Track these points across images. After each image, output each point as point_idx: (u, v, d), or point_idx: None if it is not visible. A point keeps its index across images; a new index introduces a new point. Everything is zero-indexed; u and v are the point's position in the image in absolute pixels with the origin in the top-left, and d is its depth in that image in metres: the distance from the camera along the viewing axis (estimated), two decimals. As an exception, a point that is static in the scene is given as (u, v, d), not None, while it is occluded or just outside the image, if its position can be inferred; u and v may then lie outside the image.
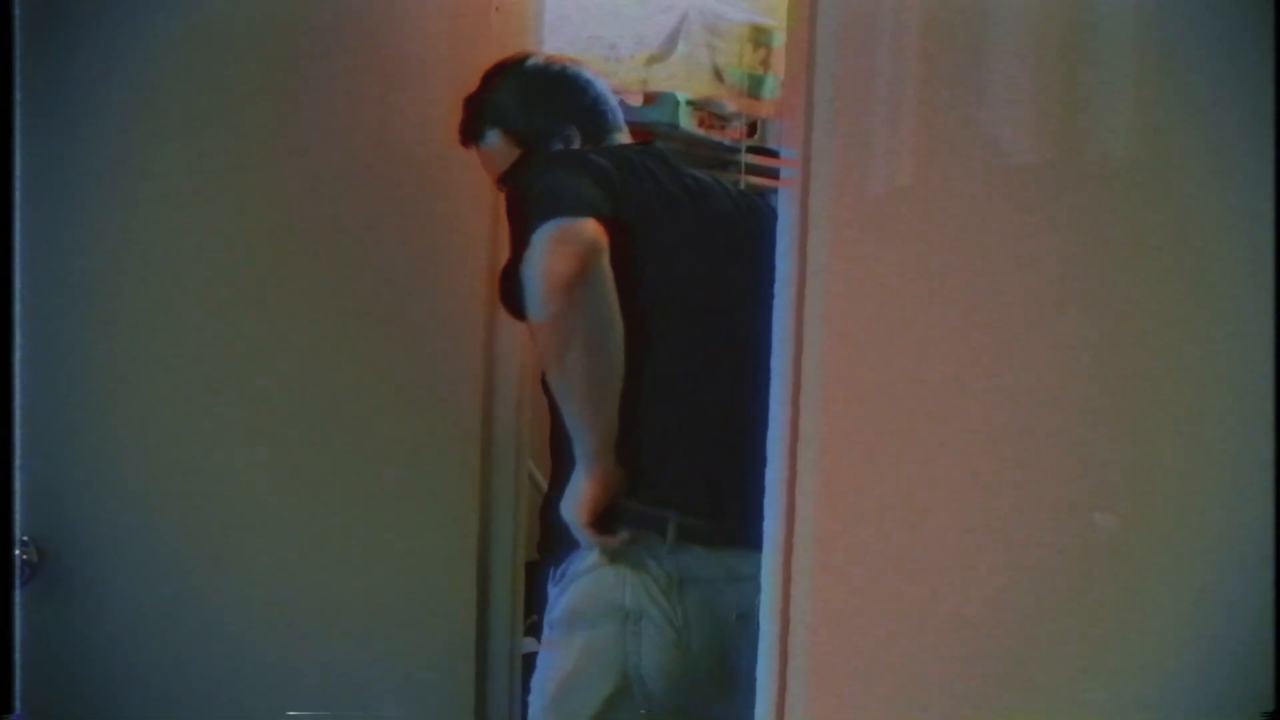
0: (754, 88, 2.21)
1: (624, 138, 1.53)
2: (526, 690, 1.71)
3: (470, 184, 1.58)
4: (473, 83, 1.50)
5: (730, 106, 2.15)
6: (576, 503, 1.31)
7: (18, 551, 1.21)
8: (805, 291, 0.93)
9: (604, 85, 1.54)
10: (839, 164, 0.93)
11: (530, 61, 1.52)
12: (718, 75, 2.19)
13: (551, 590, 1.41)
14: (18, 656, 1.12)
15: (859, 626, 0.93)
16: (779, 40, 2.18)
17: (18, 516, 1.16)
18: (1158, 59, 0.88)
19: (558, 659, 1.37)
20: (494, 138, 1.48)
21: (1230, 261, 0.85)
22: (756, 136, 2.19)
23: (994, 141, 0.91)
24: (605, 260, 1.23)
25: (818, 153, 0.93)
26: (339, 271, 1.47)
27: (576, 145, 1.47)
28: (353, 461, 1.49)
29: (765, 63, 2.23)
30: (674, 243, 1.37)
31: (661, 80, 2.18)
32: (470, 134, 1.50)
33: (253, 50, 1.38)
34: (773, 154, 2.13)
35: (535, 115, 1.47)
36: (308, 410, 1.45)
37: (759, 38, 2.21)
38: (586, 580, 1.35)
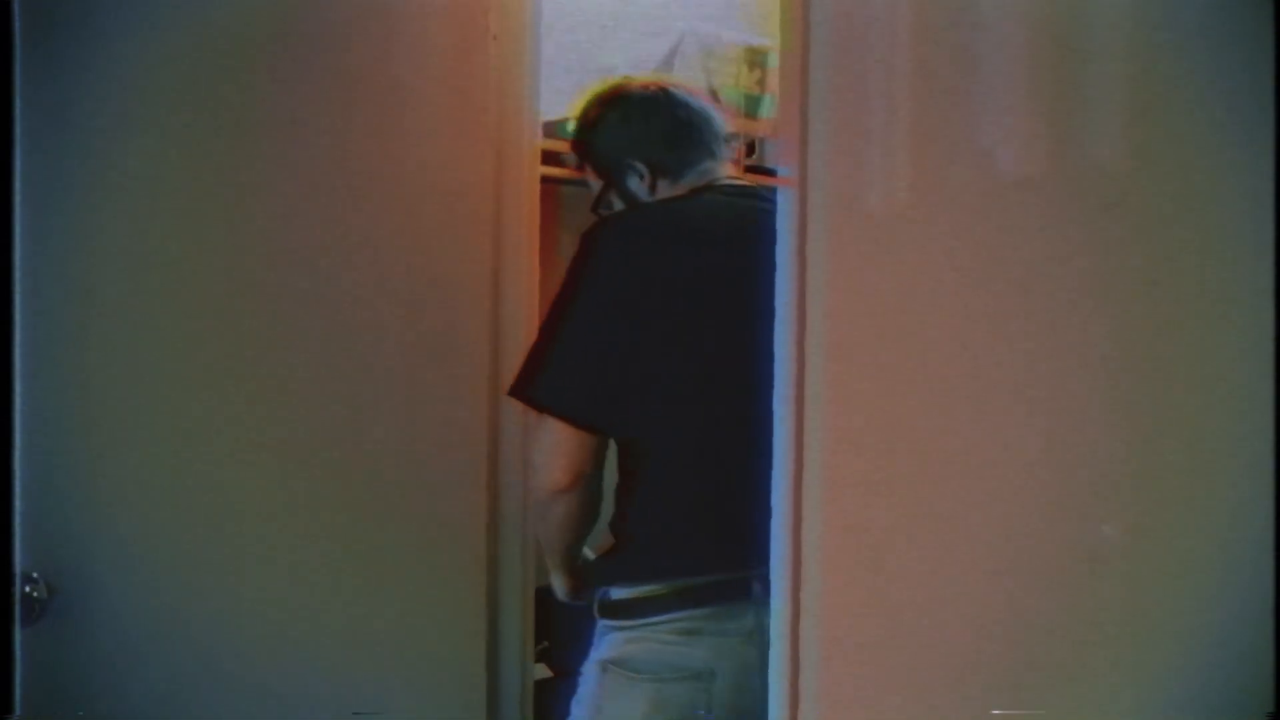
0: (751, 108, 2.22)
1: (719, 168, 1.48)
2: (538, 718, 1.69)
3: (469, 209, 1.59)
4: (477, 110, 1.55)
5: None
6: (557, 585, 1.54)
7: (27, 588, 1.20)
8: (805, 308, 0.94)
9: (694, 110, 1.48)
10: (836, 182, 0.93)
11: (611, 90, 1.52)
12: (714, 96, 2.20)
13: (603, 623, 1.39)
14: (18, 658, 1.11)
15: (867, 642, 0.93)
16: (775, 61, 2.19)
17: (18, 519, 1.16)
18: (1154, 69, 0.88)
19: (619, 704, 1.35)
20: (588, 169, 1.53)
21: (1231, 267, 0.85)
22: (754, 157, 2.19)
23: (990, 155, 0.91)
24: (599, 464, 1.35)
25: (814, 171, 0.93)
26: (343, 285, 1.46)
27: (647, 181, 1.46)
28: (359, 488, 1.49)
29: (761, 83, 2.24)
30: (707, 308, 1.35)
31: (658, 103, 2.18)
32: (578, 166, 1.56)
33: (252, 71, 1.38)
34: (770, 173, 2.13)
35: (607, 149, 1.49)
36: (313, 435, 1.44)
37: (755, 59, 2.22)
38: (654, 636, 1.34)
